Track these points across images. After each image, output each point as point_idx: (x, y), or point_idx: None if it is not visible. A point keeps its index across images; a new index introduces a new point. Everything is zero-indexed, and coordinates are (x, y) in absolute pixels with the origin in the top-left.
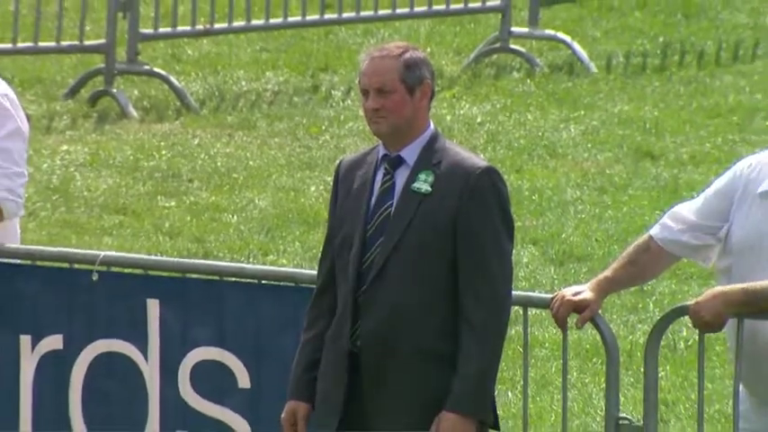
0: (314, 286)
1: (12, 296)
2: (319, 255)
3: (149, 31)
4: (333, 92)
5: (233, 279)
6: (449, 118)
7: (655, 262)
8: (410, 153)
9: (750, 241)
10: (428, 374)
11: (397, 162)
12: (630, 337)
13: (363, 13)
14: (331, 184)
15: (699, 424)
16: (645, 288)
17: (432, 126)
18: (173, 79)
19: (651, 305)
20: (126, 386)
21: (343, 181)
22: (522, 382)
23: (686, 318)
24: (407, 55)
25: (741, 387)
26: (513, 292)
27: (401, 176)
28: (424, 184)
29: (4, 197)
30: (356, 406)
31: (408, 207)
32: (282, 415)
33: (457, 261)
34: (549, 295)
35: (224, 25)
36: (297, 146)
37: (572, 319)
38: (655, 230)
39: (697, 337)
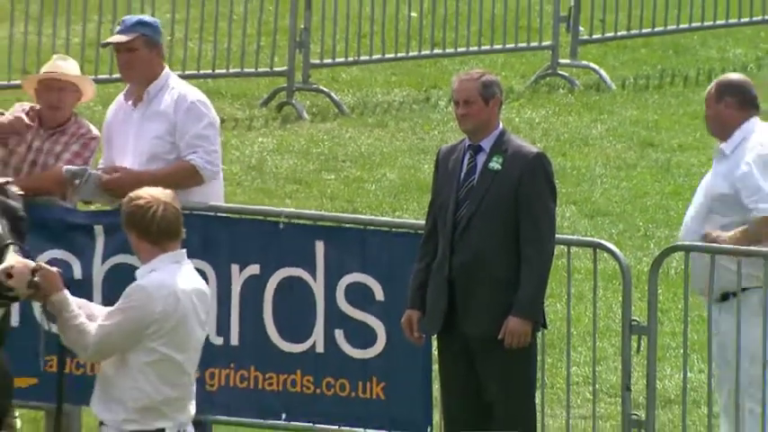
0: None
1: (225, 238)
2: (426, 212)
3: (317, 61)
4: (439, 102)
5: (372, 227)
6: (516, 120)
7: None
8: (486, 143)
9: None
10: (499, 293)
11: (478, 149)
12: (639, 266)
13: (459, 50)
14: (434, 164)
15: (684, 324)
16: (647, 233)
17: (501, 125)
18: (333, 94)
19: (652, 245)
20: (301, 299)
21: (442, 162)
22: (565, 296)
23: (676, 253)
24: (484, 78)
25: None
26: (559, 236)
27: (480, 159)
28: (496, 164)
29: (203, 166)
30: (451, 314)
31: (485, 180)
32: (403, 319)
33: (518, 217)
34: (585, 238)
35: (366, 57)
36: (415, 138)
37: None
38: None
39: (683, 267)
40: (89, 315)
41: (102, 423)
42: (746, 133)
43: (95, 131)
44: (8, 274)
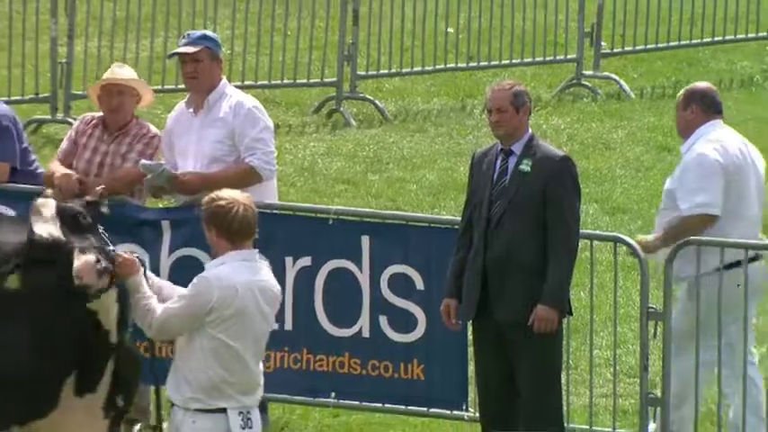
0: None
1: (280, 234)
2: (462, 209)
3: (363, 72)
4: (473, 110)
5: (413, 223)
6: (544, 126)
7: None
8: (517, 147)
9: None
10: (528, 283)
11: (509, 153)
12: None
13: (492, 62)
14: (469, 166)
15: (696, 310)
16: None
17: (530, 130)
18: (377, 102)
19: None
20: (349, 289)
21: (476, 165)
22: (588, 286)
23: (689, 246)
24: (515, 88)
25: None
26: (582, 231)
27: (512, 162)
28: (526, 166)
29: (261, 167)
30: (485, 302)
31: (516, 181)
32: (441, 307)
33: (546, 214)
34: (606, 233)
35: (408, 69)
36: (452, 142)
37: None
38: None
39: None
40: (170, 296)
41: (173, 404)
42: (701, 135)
43: (156, 130)
44: (78, 276)
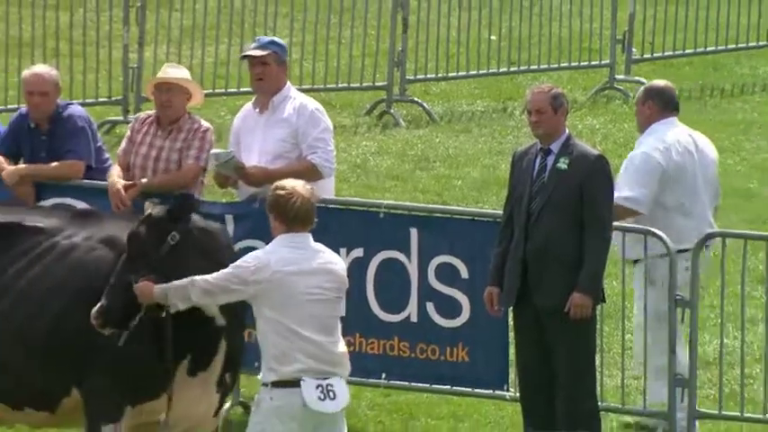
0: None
1: (335, 226)
2: (504, 204)
3: (412, 77)
4: (514, 111)
5: (458, 216)
6: (579, 126)
7: None
8: (555, 146)
9: None
10: (565, 272)
11: (548, 152)
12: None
13: (531, 67)
14: (510, 164)
15: (721, 299)
16: None
17: (567, 130)
18: (425, 104)
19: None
20: (398, 277)
21: (517, 162)
22: (620, 275)
23: (713, 239)
24: (553, 91)
25: None
26: (616, 224)
27: (550, 160)
28: (563, 164)
29: (322, 164)
30: (525, 290)
31: (554, 178)
32: (484, 294)
33: (582, 209)
34: (637, 226)
35: (453, 73)
36: (494, 142)
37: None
38: None
39: (720, 252)
40: None
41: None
42: (653, 132)
43: (207, 124)
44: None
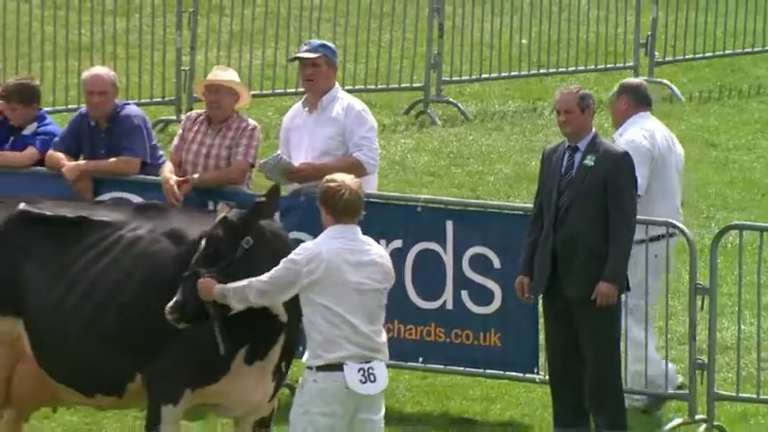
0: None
1: (376, 219)
2: (534, 198)
3: (447, 78)
4: (543, 111)
5: (491, 210)
6: (605, 125)
7: None
8: (582, 144)
9: None
10: (592, 263)
11: (575, 149)
12: (702, 241)
13: (560, 69)
14: (540, 161)
15: (738, 287)
16: (709, 215)
17: (593, 129)
18: (459, 104)
19: (713, 224)
20: (435, 267)
21: (546, 159)
22: (644, 265)
23: (732, 231)
24: (580, 92)
25: None
26: (639, 217)
27: (577, 157)
28: (590, 161)
29: (367, 161)
30: (554, 278)
31: (581, 174)
32: (515, 283)
33: (607, 203)
34: (660, 219)
35: (486, 75)
36: (524, 140)
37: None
38: None
39: (737, 242)
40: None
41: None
42: (633, 124)
43: (254, 123)
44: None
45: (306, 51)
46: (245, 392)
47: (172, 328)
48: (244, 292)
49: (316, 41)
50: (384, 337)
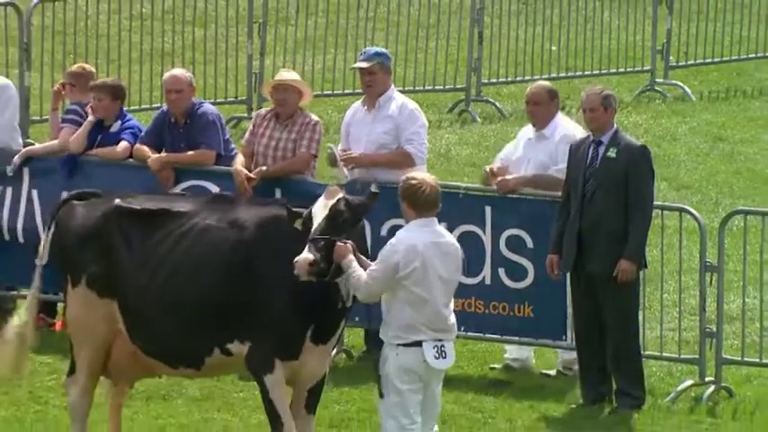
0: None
1: None
2: (563, 186)
3: (486, 80)
4: (571, 109)
5: (524, 196)
6: (625, 122)
7: None
8: (605, 138)
9: None
10: (614, 243)
11: (599, 143)
12: (711, 224)
13: (585, 72)
14: (568, 153)
15: (743, 264)
16: (717, 201)
17: (615, 125)
18: (497, 104)
19: (720, 209)
20: (475, 247)
21: (573, 152)
22: (660, 245)
23: (738, 215)
24: (604, 92)
25: None
26: (655, 203)
27: (601, 150)
28: (612, 153)
29: (416, 154)
30: (580, 257)
31: (604, 165)
32: (547, 261)
33: (627, 191)
34: (673, 204)
35: (521, 78)
36: None
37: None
38: None
39: (742, 225)
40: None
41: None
42: (558, 124)
43: (317, 118)
44: (293, 263)
45: (363, 61)
46: (312, 369)
47: (239, 309)
48: (358, 282)
49: (371, 50)
50: (453, 318)
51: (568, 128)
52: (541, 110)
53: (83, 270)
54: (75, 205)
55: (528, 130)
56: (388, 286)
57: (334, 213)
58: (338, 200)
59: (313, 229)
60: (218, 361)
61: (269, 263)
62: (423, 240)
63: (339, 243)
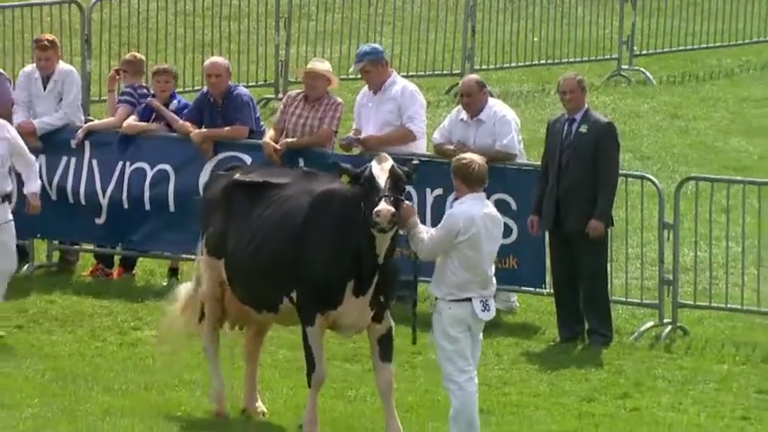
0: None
1: (424, 172)
2: (541, 158)
3: (478, 67)
4: (550, 92)
5: (509, 166)
6: (596, 102)
7: None
8: (578, 116)
9: None
10: (586, 206)
11: (572, 120)
12: (669, 189)
13: (562, 60)
14: (546, 129)
15: (695, 223)
16: (674, 169)
17: (587, 105)
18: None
19: (677, 176)
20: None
21: (551, 128)
22: (624, 207)
23: (691, 181)
24: (578, 77)
25: None
26: (621, 172)
27: (574, 126)
28: (584, 129)
29: (416, 130)
30: (557, 218)
31: (577, 139)
32: (528, 220)
33: (597, 161)
34: (636, 173)
35: (507, 65)
36: (536, 113)
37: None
38: None
39: (695, 190)
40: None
41: (436, 298)
42: (491, 108)
43: (340, 100)
44: (377, 215)
45: (355, 64)
46: (355, 318)
47: (296, 264)
48: (419, 242)
49: (361, 49)
50: (494, 278)
51: (501, 109)
52: (473, 100)
53: (204, 233)
54: (216, 176)
55: (460, 113)
56: (445, 249)
57: (397, 176)
58: (393, 165)
59: (383, 187)
60: (287, 308)
61: (318, 226)
62: (478, 212)
63: (407, 203)
